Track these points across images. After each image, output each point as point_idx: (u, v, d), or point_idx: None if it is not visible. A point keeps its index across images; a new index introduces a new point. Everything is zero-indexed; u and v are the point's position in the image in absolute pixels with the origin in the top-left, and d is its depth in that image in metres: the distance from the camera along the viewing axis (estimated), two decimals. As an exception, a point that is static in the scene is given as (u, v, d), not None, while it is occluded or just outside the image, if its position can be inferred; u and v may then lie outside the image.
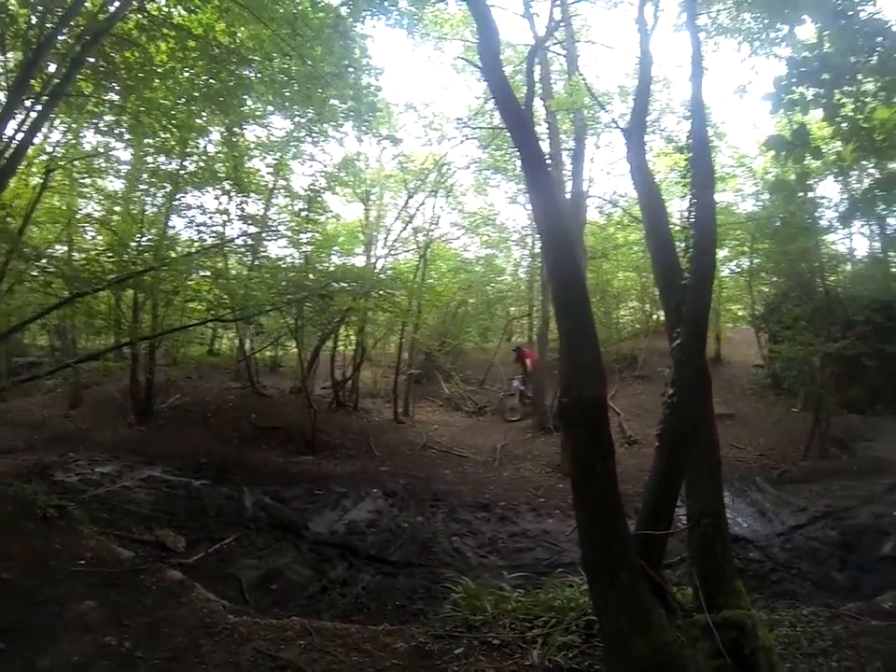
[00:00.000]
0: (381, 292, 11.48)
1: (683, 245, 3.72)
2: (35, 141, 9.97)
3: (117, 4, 6.45)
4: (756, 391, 15.02)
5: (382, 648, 3.27)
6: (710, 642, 2.67)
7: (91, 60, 6.81)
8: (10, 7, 6.40)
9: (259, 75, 8.28)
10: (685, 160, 4.12)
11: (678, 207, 11.94)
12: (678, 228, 4.29)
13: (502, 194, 19.71)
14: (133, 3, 6.74)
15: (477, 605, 3.55)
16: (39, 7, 6.19)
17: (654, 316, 19.24)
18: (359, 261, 16.77)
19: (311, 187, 12.84)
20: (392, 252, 16.52)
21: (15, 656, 3.25)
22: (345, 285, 9.78)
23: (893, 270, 14.67)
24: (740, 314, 19.59)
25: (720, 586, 3.05)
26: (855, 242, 16.93)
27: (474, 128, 13.83)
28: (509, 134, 4.06)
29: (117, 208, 13.19)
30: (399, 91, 33.49)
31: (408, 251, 17.33)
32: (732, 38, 7.66)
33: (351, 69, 8.16)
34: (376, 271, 14.03)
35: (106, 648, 3.42)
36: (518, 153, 3.72)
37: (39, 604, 3.82)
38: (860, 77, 3.68)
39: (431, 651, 3.11)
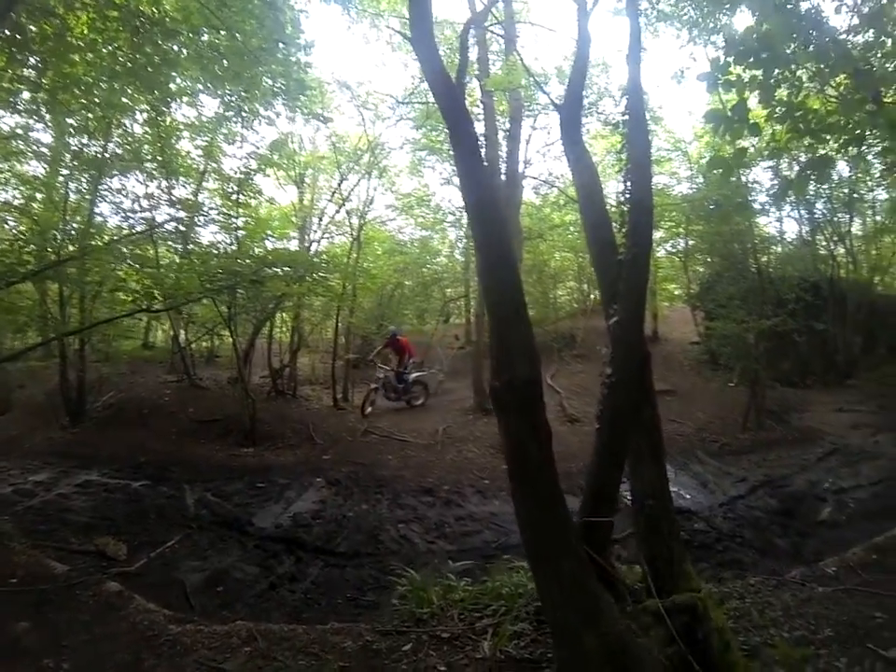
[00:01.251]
0: (315, 276, 11.25)
1: (618, 224, 3.72)
2: None
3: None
4: (693, 367, 15.60)
5: (330, 649, 3.21)
6: (663, 629, 2.68)
7: (6, 31, 6.31)
8: None
9: (185, 49, 7.82)
10: (621, 137, 4.12)
11: (613, 189, 12.16)
12: (613, 209, 4.28)
13: (437, 176, 19.68)
14: None
15: (423, 597, 3.52)
16: None
17: (592, 296, 19.66)
18: (293, 245, 16.49)
19: (242, 169, 12.41)
20: (326, 235, 16.33)
21: (-55, 687, 3.07)
22: (278, 270, 9.52)
23: (821, 251, 15.50)
24: (676, 293, 20.15)
25: (668, 568, 3.09)
26: (785, 225, 17.81)
27: (406, 103, 13.68)
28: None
29: (38, 195, 12.42)
30: (334, 69, 32.99)
31: (342, 234, 17.12)
32: (672, 26, 7.81)
33: (281, 44, 7.83)
34: (310, 254, 13.78)
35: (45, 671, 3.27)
36: (447, 127, 3.64)
37: (-31, 627, 3.60)
38: (795, 65, 3.74)
39: (379, 650, 3.07)
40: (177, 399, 13.12)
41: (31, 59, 7.10)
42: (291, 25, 8.23)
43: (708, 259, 16.45)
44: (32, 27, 6.76)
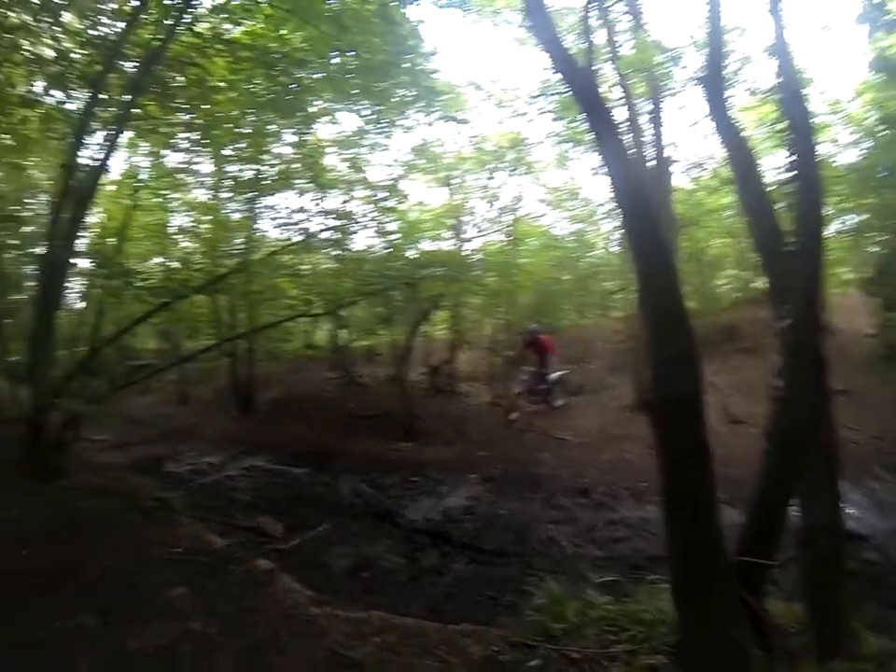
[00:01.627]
0: (471, 275, 11.28)
1: (784, 206, 3.22)
2: (119, 166, 10.98)
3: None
4: (869, 363, 13.53)
5: (456, 652, 3.09)
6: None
7: (153, 85, 7.07)
8: (71, 53, 6.72)
9: (317, 74, 8.33)
10: (775, 105, 3.59)
11: (771, 165, 10.84)
12: (774, 188, 3.73)
13: (584, 167, 19.00)
14: (182, 27, 6.91)
15: (559, 612, 3.29)
16: (95, 46, 6.50)
17: (754, 284, 17.95)
18: (447, 246, 16.67)
19: (388, 176, 12.80)
20: (480, 234, 16.27)
21: (109, 637, 3.35)
22: (433, 271, 9.64)
23: None
24: (847, 277, 17.71)
25: (834, 624, 2.54)
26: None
27: (541, 96, 13.19)
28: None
29: (204, 218, 13.88)
30: (465, 71, 33.04)
31: (495, 232, 17.05)
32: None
33: (404, 56, 8.03)
34: (464, 254, 13.87)
35: (192, 633, 3.46)
36: (585, 117, 3.35)
37: (135, 589, 3.92)
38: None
39: (504, 662, 2.88)
40: (338, 395, 13.84)
41: (181, 104, 7.91)
42: (412, 37, 8.36)
43: (884, 237, 14.18)
44: (175, 77, 7.50)
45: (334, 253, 13.46)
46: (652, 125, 12.22)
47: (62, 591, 3.82)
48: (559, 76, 3.59)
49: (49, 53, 6.68)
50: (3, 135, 6.96)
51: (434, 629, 3.42)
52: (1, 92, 6.43)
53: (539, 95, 13.24)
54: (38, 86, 6.83)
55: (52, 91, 6.80)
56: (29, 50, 6.62)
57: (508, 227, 15.07)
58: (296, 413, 12.90)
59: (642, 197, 2.85)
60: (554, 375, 12.48)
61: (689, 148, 21.17)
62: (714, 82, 3.67)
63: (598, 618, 3.17)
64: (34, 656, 3.20)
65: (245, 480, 8.94)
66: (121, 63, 6.74)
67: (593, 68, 3.46)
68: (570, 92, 3.39)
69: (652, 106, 12.15)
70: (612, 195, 3.25)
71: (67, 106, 6.85)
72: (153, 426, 12.46)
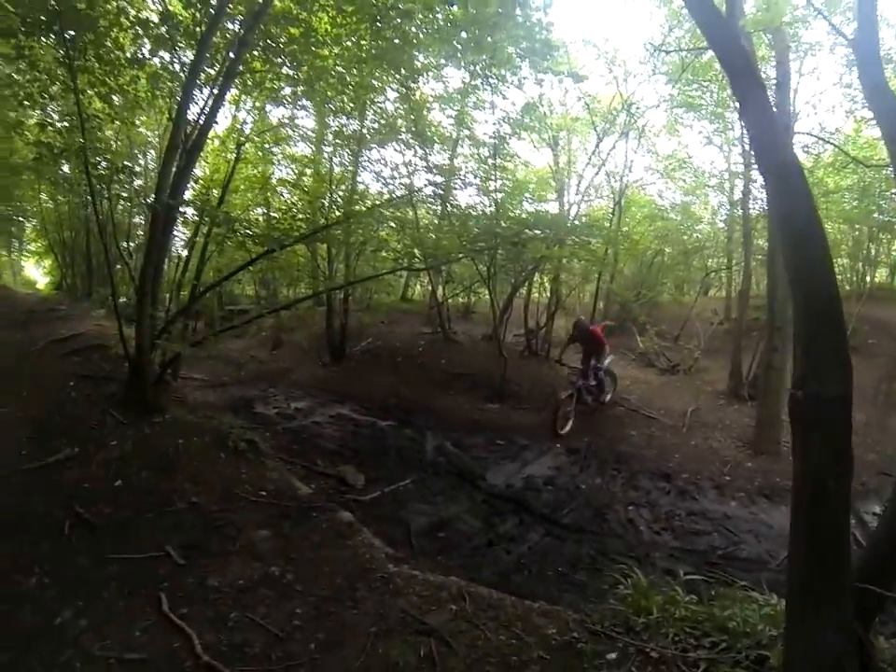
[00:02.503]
0: (575, 239, 10.92)
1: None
2: (225, 122, 11.34)
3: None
4: None
5: (532, 631, 2.99)
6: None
7: (258, 41, 7.17)
8: (177, 13, 6.95)
9: (424, 28, 8.16)
10: None
11: None
12: None
13: (696, 135, 17.84)
14: None
15: (642, 605, 3.11)
16: (199, 6, 6.61)
17: (868, 277, 16.53)
18: (552, 208, 16.29)
19: (495, 134, 12.46)
20: (585, 199, 15.68)
21: (191, 572, 3.52)
22: (538, 232, 9.37)
23: None
24: None
25: None
26: None
27: (660, 51, 12.27)
28: (708, 56, 3.28)
29: (307, 171, 14.15)
30: (575, 28, 31.60)
31: (601, 197, 16.47)
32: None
33: (517, 6, 7.60)
34: (570, 217, 13.46)
35: (270, 577, 3.57)
36: (727, 75, 2.97)
37: (219, 528, 4.09)
38: None
39: (583, 651, 2.75)
40: (430, 351, 13.81)
41: (286, 59, 7.95)
42: None
43: None
44: (279, 33, 7.55)
45: (438, 208, 13.50)
46: (776, 92, 11.08)
47: (151, 522, 4.01)
48: (701, 30, 3.20)
49: (154, 17, 6.95)
50: (113, 95, 7.17)
51: (511, 603, 3.35)
52: (110, 55, 6.64)
53: (656, 50, 12.39)
54: (145, 47, 7.04)
55: (159, 52, 7.02)
56: (135, 14, 6.91)
57: (615, 193, 14.43)
58: (387, 366, 13.08)
59: (796, 171, 2.49)
60: (605, 363, 10.73)
61: (810, 120, 19.54)
62: (869, 45, 3.20)
63: (681, 618, 2.98)
64: (120, 579, 3.39)
65: (331, 427, 9.12)
66: (226, 21, 6.91)
67: (737, 24, 3.08)
68: (714, 50, 3.01)
69: (777, 71, 10.98)
70: (760, 169, 2.85)
71: (174, 66, 7.06)
72: (247, 368, 12.95)
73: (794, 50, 11.21)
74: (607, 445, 9.00)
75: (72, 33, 5.84)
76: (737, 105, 2.94)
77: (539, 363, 13.45)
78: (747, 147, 13.20)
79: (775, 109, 10.84)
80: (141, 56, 6.98)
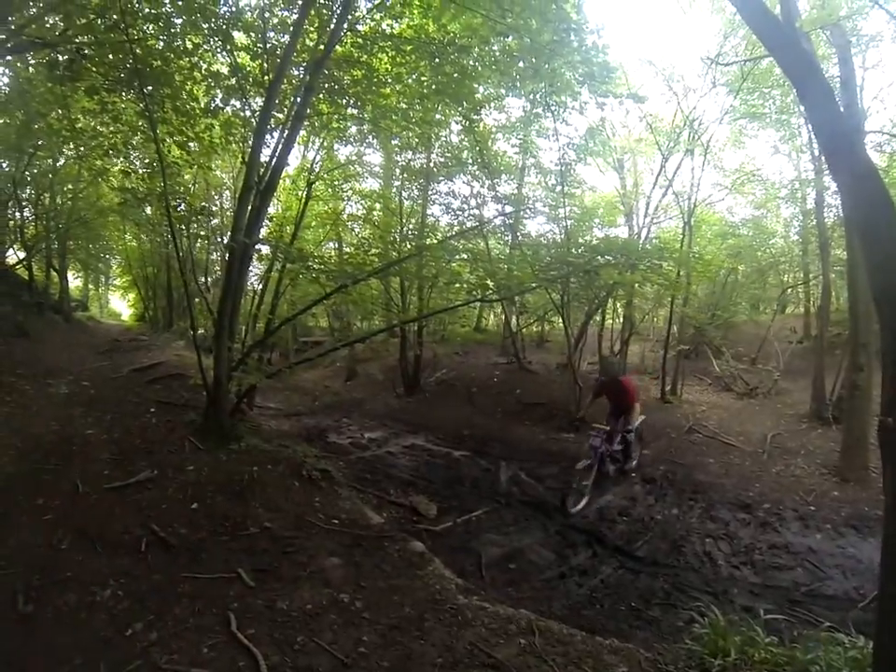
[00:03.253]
0: (647, 264, 10.78)
1: None
2: (295, 162, 12.18)
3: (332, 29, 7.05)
4: None
5: (602, 669, 2.89)
6: None
7: (323, 84, 7.60)
8: (245, 64, 7.56)
9: (481, 60, 8.42)
10: None
11: None
12: None
13: (762, 145, 17.22)
14: (344, 29, 7.32)
15: (719, 645, 2.94)
16: (266, 56, 7.14)
17: None
18: (621, 232, 16.17)
19: (560, 160, 12.47)
20: (654, 221, 15.42)
21: (260, 594, 3.59)
22: (610, 258, 9.28)
23: None
24: None
25: None
26: None
27: (724, 64, 11.96)
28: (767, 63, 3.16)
29: (377, 205, 14.64)
30: (629, 48, 31.29)
31: (670, 218, 16.14)
32: None
33: (571, 32, 7.68)
34: (640, 241, 13.27)
35: (339, 603, 3.60)
36: (789, 80, 2.86)
37: (290, 554, 4.18)
38: None
39: (653, 691, 2.66)
40: (505, 381, 13.83)
41: (350, 100, 8.40)
42: (576, 12, 8.17)
43: None
44: (342, 76, 8.00)
45: (507, 238, 13.59)
46: (842, 90, 10.36)
47: (224, 545, 4.14)
48: (757, 35, 3.12)
49: (224, 69, 7.55)
50: (190, 143, 7.72)
51: (581, 639, 3.25)
52: (186, 106, 7.24)
53: (712, 63, 12.15)
54: (218, 97, 7.71)
55: (230, 101, 7.63)
56: (207, 68, 7.55)
57: (684, 213, 14.12)
58: (461, 396, 13.15)
59: (872, 174, 2.36)
60: (635, 424, 8.53)
61: (880, 117, 18.39)
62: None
63: (760, 660, 2.80)
64: (192, 597, 3.52)
65: (404, 457, 9.20)
66: (291, 68, 7.37)
67: (792, 19, 2.98)
68: (773, 55, 2.92)
69: (840, 69, 10.32)
70: (833, 176, 2.70)
71: (245, 113, 7.56)
72: (321, 399, 13.26)
73: (855, 44, 10.61)
74: (684, 474, 8.70)
75: (150, 88, 6.38)
76: (803, 109, 2.81)
77: (614, 390, 13.20)
78: (816, 153, 12.72)
79: (842, 109, 10.37)
80: (214, 105, 7.59)
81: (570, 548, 6.25)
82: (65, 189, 14.64)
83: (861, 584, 5.46)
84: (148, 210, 12.24)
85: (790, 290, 18.42)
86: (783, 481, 8.44)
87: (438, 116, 10.31)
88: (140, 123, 7.35)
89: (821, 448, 9.53)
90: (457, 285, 10.16)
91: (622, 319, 15.57)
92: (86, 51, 6.42)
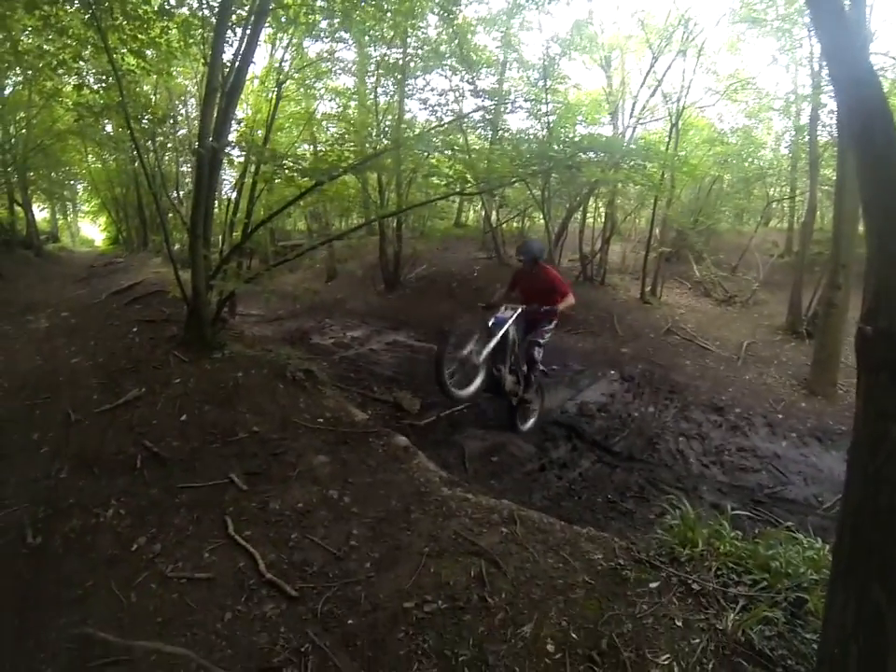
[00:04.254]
0: (631, 163, 10.53)
1: None
2: (263, 62, 11.12)
3: None
4: None
5: (579, 556, 3.07)
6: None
7: None
8: None
9: None
10: None
11: None
12: None
13: (759, 53, 16.57)
14: None
15: (690, 537, 3.13)
16: None
17: None
18: (605, 131, 15.68)
19: (544, 56, 11.94)
20: (640, 121, 14.98)
21: (253, 497, 3.72)
22: (592, 155, 9.08)
23: None
24: None
25: None
26: None
27: None
28: None
29: (351, 103, 14.00)
30: None
31: (657, 120, 15.66)
32: None
33: None
34: (625, 140, 12.95)
35: (328, 500, 3.74)
36: None
37: (279, 455, 4.29)
38: None
39: (627, 578, 2.80)
40: (485, 275, 13.84)
41: None
42: None
43: None
44: None
45: (488, 134, 13.19)
46: (852, 7, 9.67)
47: (216, 452, 4.25)
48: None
49: None
50: (146, 49, 7.09)
51: (560, 528, 3.42)
52: (137, 11, 6.53)
53: None
54: None
55: (186, 0, 6.95)
56: None
57: (672, 115, 13.71)
58: (442, 292, 13.21)
59: (874, 89, 2.27)
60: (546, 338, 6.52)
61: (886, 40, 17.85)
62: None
63: (724, 553, 2.99)
64: (189, 506, 3.65)
65: (387, 355, 9.33)
66: None
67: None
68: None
69: None
70: (833, 83, 2.58)
71: (203, 11, 6.95)
72: (302, 301, 13.21)
73: None
74: (661, 374, 8.96)
75: None
76: (808, 16, 2.66)
77: (594, 288, 13.38)
78: (815, 68, 12.28)
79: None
80: (168, 6, 6.84)
81: (550, 441, 6.50)
82: (17, 117, 13.87)
83: (821, 492, 5.82)
84: (109, 127, 11.64)
85: (775, 204, 18.33)
86: (755, 388, 8.76)
87: (414, 7, 9.66)
88: (89, 34, 6.58)
89: (794, 360, 9.84)
90: (436, 178, 9.95)
91: (603, 218, 15.40)
92: None
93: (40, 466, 4.18)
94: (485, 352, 5.53)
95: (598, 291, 13.30)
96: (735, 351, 10.20)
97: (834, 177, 10.45)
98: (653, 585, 2.76)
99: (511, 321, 5.85)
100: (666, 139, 13.77)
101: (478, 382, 5.62)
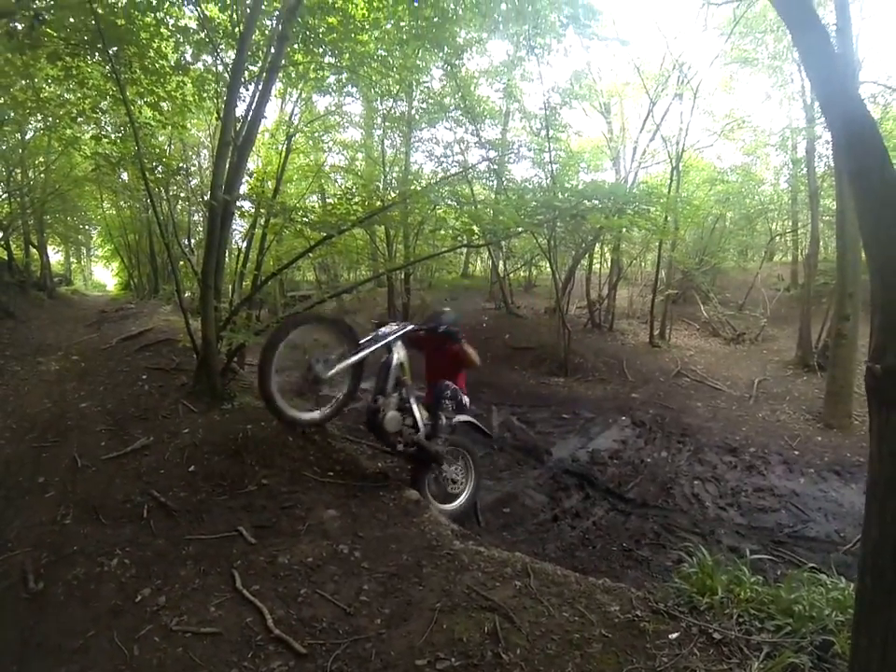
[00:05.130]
0: (635, 208, 10.70)
1: None
2: (273, 115, 11.88)
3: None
4: None
5: (595, 608, 2.99)
6: None
7: (297, 33, 7.29)
8: (214, 16, 7.26)
9: (461, 3, 8.14)
10: None
11: None
12: None
13: (753, 91, 17.10)
14: None
15: (707, 584, 3.05)
16: (235, 7, 6.76)
17: None
18: (608, 177, 16.08)
19: (545, 104, 12.26)
20: (642, 165, 15.34)
21: (262, 550, 3.65)
22: (597, 202, 9.24)
23: None
24: None
25: None
26: None
27: (716, 3, 11.63)
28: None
29: (359, 155, 14.45)
30: None
31: (658, 164, 16.03)
32: None
33: None
34: (627, 186, 13.19)
35: (338, 554, 3.66)
36: (784, 22, 2.77)
37: (289, 508, 4.22)
38: None
39: (645, 630, 2.72)
40: (494, 326, 13.98)
41: (326, 49, 8.09)
42: None
43: None
44: (318, 23, 7.67)
45: (493, 183, 13.50)
46: (837, 38, 9.72)
47: (224, 504, 4.20)
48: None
49: (192, 24, 7.19)
50: (162, 102, 7.42)
51: (575, 580, 3.34)
52: (155, 65, 6.87)
53: (704, 4, 11.90)
54: (188, 53, 7.30)
55: (201, 56, 7.27)
56: (174, 23, 7.13)
57: (672, 158, 13.99)
58: (450, 343, 13.19)
59: (862, 114, 2.31)
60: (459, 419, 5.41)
61: (875, 68, 18.30)
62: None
63: (746, 599, 2.91)
64: (196, 559, 3.58)
65: (397, 406, 9.24)
66: (263, 18, 7.09)
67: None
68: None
69: (837, 15, 9.78)
70: (827, 122, 2.62)
71: (217, 67, 7.28)
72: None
73: None
74: (672, 417, 8.90)
75: (115, 48, 6.04)
76: (797, 54, 2.73)
77: (602, 335, 13.45)
78: (808, 101, 12.60)
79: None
80: (184, 62, 7.23)
81: (563, 491, 6.45)
82: (37, 162, 14.30)
83: (843, 527, 5.70)
84: (125, 176, 12.00)
85: (778, 238, 18.53)
86: (769, 425, 8.68)
87: (418, 62, 10.11)
88: (108, 86, 6.98)
89: (806, 395, 9.76)
90: (443, 231, 10.10)
91: (609, 264, 15.58)
92: (44, 16, 6.10)
93: (45, 510, 4.15)
94: (341, 365, 4.58)
95: (606, 337, 13.36)
96: (746, 389, 10.15)
97: (835, 207, 10.54)
98: (673, 636, 2.67)
99: (395, 335, 4.90)
100: (668, 182, 14.02)
101: (332, 404, 4.87)
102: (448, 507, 5.03)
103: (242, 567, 3.45)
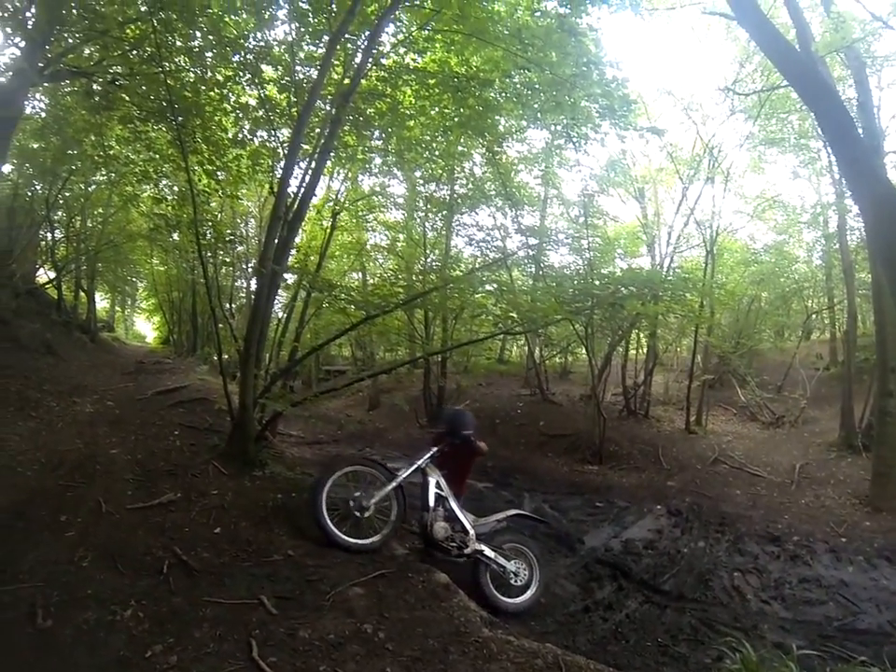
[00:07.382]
0: (671, 294, 10.76)
1: None
2: (320, 192, 12.43)
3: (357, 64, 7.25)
4: None
5: (630, 706, 2.85)
6: None
7: (349, 117, 7.76)
8: (273, 97, 7.88)
9: (502, 94, 8.66)
10: None
11: None
12: None
13: (782, 170, 17.34)
14: (370, 64, 7.53)
15: (752, 683, 2.88)
16: (293, 89, 7.43)
17: None
18: (644, 262, 16.25)
19: (583, 192, 12.65)
20: (676, 250, 15.50)
21: (282, 622, 3.54)
22: (633, 289, 9.33)
23: None
24: None
25: None
26: None
27: (741, 94, 12.07)
28: (785, 90, 3.21)
29: (400, 236, 14.96)
30: (647, 77, 31.66)
31: (692, 247, 16.21)
32: None
33: (591, 65, 7.98)
34: (663, 271, 13.31)
35: (362, 634, 3.53)
36: (807, 105, 2.89)
37: (314, 582, 4.12)
38: None
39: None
40: (529, 412, 13.90)
41: (375, 132, 8.75)
42: (594, 45, 8.54)
43: None
44: (368, 108, 8.27)
45: (532, 270, 13.74)
46: (859, 113, 9.68)
47: (247, 570, 4.15)
48: (774, 64, 3.18)
49: (252, 101, 7.93)
50: (219, 172, 7.99)
51: (608, 677, 3.18)
52: (216, 137, 7.52)
53: (730, 88, 12.29)
54: (246, 128, 7.99)
55: (258, 132, 7.93)
56: (236, 100, 7.92)
57: (706, 242, 14.14)
58: (485, 427, 13.09)
59: (887, 191, 2.36)
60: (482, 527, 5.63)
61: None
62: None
63: (793, 700, 2.74)
64: (213, 622, 3.49)
65: (428, 489, 9.16)
66: (318, 101, 7.54)
67: (811, 52, 3.00)
68: (790, 82, 2.98)
69: (857, 90, 10.02)
70: (855, 199, 2.70)
71: (272, 143, 7.86)
72: (344, 427, 13.30)
73: (870, 65, 10.61)
74: (710, 505, 8.61)
75: (181, 118, 6.59)
76: (822, 133, 2.84)
77: (638, 421, 13.26)
78: (836, 176, 12.74)
79: (860, 132, 10.18)
80: (242, 136, 7.87)
81: (595, 581, 6.22)
82: (96, 212, 15.47)
83: None
84: (176, 236, 12.64)
85: (814, 316, 18.32)
86: (813, 511, 8.32)
87: (461, 148, 10.64)
88: (171, 152, 7.65)
89: (851, 477, 9.39)
90: (482, 316, 10.23)
91: (645, 350, 15.50)
92: (121, 82, 6.73)
93: (63, 549, 4.12)
94: (380, 493, 5.07)
95: (642, 424, 13.15)
96: (787, 475, 9.80)
97: (870, 280, 10.40)
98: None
99: (424, 460, 5.39)
100: (703, 265, 14.17)
101: (385, 529, 5.13)
102: (514, 602, 5.24)
103: (260, 637, 3.35)
